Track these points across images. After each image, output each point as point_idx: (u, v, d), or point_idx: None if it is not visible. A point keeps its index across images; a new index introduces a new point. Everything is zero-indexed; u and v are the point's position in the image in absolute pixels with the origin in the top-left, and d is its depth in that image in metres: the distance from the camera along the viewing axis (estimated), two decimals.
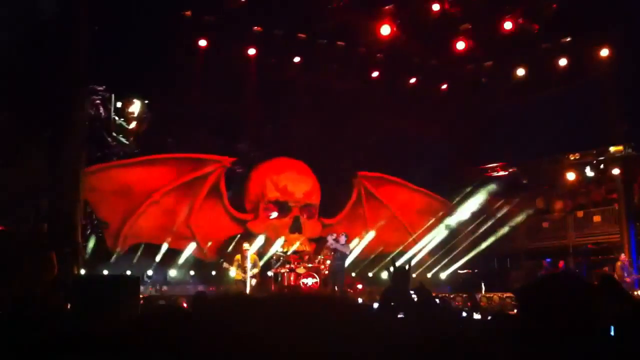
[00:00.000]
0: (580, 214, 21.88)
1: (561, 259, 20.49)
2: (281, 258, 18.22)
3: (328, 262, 18.40)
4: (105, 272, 16.07)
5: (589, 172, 20.98)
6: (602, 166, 20.88)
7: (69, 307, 10.04)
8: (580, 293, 2.14)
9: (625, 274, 17.80)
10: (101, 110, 15.66)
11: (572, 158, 21.54)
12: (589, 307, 2.10)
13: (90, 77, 15.21)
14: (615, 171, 20.05)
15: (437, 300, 13.11)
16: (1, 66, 13.94)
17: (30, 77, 14.00)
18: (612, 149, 20.05)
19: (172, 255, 18.28)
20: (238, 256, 17.03)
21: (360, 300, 16.05)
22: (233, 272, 16.75)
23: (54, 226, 13.48)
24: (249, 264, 16.55)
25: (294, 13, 18.28)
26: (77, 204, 14.71)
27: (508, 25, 18.63)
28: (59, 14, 14.63)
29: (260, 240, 18.67)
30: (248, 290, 16.10)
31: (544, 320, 2.07)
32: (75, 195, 14.71)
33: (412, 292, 9.24)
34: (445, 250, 21.18)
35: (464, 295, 13.20)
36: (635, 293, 17.07)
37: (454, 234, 21.74)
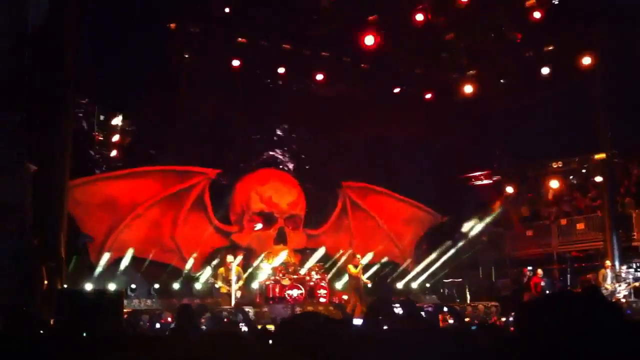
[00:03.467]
0: (564, 221, 21.95)
1: (544, 267, 20.55)
2: (266, 270, 18.14)
3: (313, 272, 18.40)
4: (89, 286, 15.94)
5: (572, 180, 21.09)
6: (585, 173, 21.01)
7: (52, 322, 9.97)
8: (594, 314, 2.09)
9: (608, 282, 17.91)
10: (84, 123, 15.59)
11: (555, 166, 21.65)
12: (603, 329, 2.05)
13: (75, 90, 15.12)
14: (599, 178, 20.16)
15: (423, 314, 13.15)
16: None
17: (14, 84, 13.88)
18: (595, 156, 20.15)
19: (156, 268, 18.16)
20: (222, 269, 16.99)
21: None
22: (218, 285, 16.70)
23: (39, 240, 13.38)
24: (233, 277, 16.49)
25: (279, 24, 18.31)
26: (62, 218, 14.60)
27: (491, 35, 18.75)
28: (46, 23, 14.55)
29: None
30: (233, 302, 16.04)
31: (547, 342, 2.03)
32: (60, 209, 14.60)
33: (397, 305, 9.22)
34: (430, 259, 21.15)
35: (445, 310, 13.19)
36: (616, 299, 17.20)
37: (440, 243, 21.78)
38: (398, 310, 8.65)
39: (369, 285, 18.28)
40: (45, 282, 12.58)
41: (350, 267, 17.78)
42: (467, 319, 15.09)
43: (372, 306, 8.20)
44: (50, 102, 14.41)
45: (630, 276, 18.26)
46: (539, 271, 19.24)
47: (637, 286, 18.12)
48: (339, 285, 20.34)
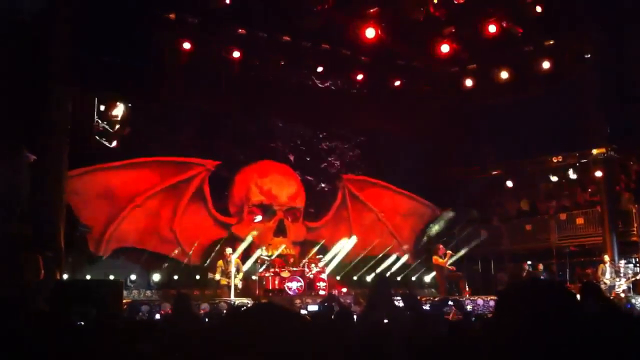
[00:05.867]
0: (563, 216, 21.99)
1: (543, 261, 20.62)
2: (265, 262, 18.15)
3: (313, 265, 18.41)
4: (88, 276, 15.95)
5: (571, 175, 21.09)
6: (584, 169, 21.01)
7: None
8: (560, 298, 2.17)
9: (607, 276, 17.94)
10: (84, 113, 15.51)
11: (555, 160, 21.65)
12: (568, 311, 2.13)
13: (73, 80, 15.05)
14: (598, 173, 20.16)
15: (427, 306, 13.17)
16: None
17: (11, 76, 13.84)
18: (594, 151, 20.16)
19: (156, 259, 18.16)
20: (220, 262, 16.99)
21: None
22: (218, 277, 16.71)
23: (37, 230, 13.36)
24: (233, 269, 16.49)
25: (278, 15, 18.26)
26: (60, 208, 14.58)
27: (492, 29, 18.69)
28: (41, 13, 14.51)
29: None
30: (233, 295, 16.04)
31: (520, 325, 2.10)
32: (58, 199, 14.58)
33: (398, 298, 9.23)
34: (429, 253, 21.16)
35: (451, 304, 13.23)
36: (615, 294, 17.24)
37: (438, 236, 21.80)
38: (399, 303, 8.66)
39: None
40: (42, 272, 12.57)
41: (437, 257, 18.18)
42: None
43: (370, 298, 8.19)
44: (48, 91, 14.38)
45: (630, 271, 18.29)
46: (540, 266, 19.24)
47: (635, 281, 18.16)
48: (427, 278, 21.28)
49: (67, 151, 14.78)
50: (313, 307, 11.10)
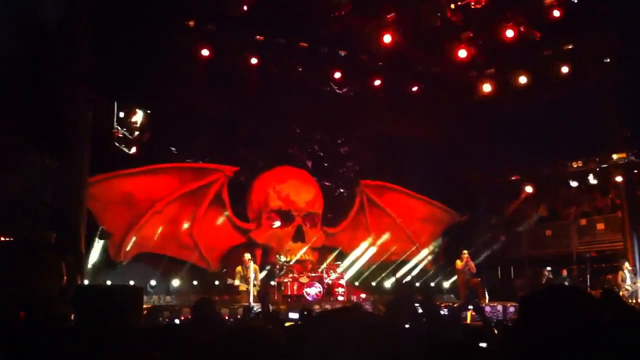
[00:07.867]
0: (583, 221, 21.84)
1: (563, 267, 20.47)
2: (284, 267, 18.18)
3: (332, 271, 18.42)
4: (109, 282, 16.06)
5: (592, 180, 20.93)
6: (605, 173, 20.84)
7: (72, 317, 10.04)
8: (583, 305, 2.16)
9: (627, 282, 17.79)
10: (104, 119, 15.64)
11: (574, 165, 21.50)
12: (591, 319, 2.13)
13: (93, 86, 15.19)
14: (618, 178, 19.99)
15: (446, 312, 13.13)
16: (2, 68, 13.91)
17: (33, 81, 13.98)
18: (614, 156, 19.99)
19: (175, 265, 18.26)
20: (239, 268, 17.00)
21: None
22: (237, 283, 16.75)
23: (58, 235, 13.47)
24: (252, 275, 16.53)
25: (296, 22, 18.33)
26: (81, 214, 14.71)
27: (510, 33, 18.62)
28: (62, 19, 14.68)
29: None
30: (252, 300, 16.08)
31: (544, 330, 2.10)
32: (79, 205, 14.71)
33: (416, 304, 9.21)
34: (448, 258, 21.10)
35: (470, 308, 13.19)
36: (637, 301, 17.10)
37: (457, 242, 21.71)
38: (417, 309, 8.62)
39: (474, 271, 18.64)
40: (65, 277, 12.67)
41: (458, 261, 18.20)
42: None
43: (394, 303, 8.17)
44: (68, 97, 14.52)
45: None
46: (564, 272, 19.12)
47: None
48: (446, 284, 21.14)
49: (88, 157, 14.91)
50: (294, 315, 10.97)
